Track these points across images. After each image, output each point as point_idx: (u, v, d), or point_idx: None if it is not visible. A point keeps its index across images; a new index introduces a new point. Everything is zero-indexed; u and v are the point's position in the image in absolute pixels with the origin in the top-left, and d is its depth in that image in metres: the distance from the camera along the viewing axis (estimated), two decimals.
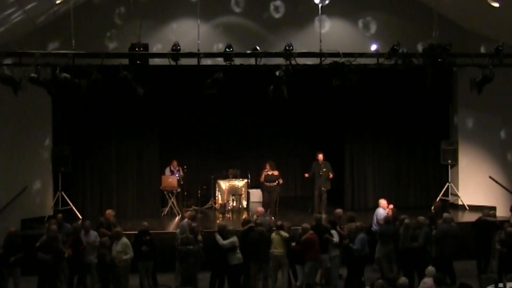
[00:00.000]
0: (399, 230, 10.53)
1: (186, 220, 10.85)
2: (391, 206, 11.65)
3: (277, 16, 13.39)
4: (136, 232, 10.64)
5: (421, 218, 10.55)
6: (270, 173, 14.01)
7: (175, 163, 14.64)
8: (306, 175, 14.07)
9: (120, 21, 13.17)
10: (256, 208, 12.13)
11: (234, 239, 10.09)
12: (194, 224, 10.74)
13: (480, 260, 10.98)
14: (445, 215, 10.83)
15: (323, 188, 13.75)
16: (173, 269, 10.59)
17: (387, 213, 11.33)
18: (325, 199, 13.81)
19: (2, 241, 10.04)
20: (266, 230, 10.47)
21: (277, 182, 13.98)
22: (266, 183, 14.02)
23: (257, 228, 10.22)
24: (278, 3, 13.51)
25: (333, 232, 10.42)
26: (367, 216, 12.34)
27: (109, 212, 11.36)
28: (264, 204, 13.84)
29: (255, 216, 11.29)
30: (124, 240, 9.94)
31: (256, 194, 15.27)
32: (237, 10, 13.55)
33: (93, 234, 10.41)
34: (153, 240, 10.40)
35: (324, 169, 13.79)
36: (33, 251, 9.87)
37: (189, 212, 11.19)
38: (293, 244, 10.16)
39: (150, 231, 10.56)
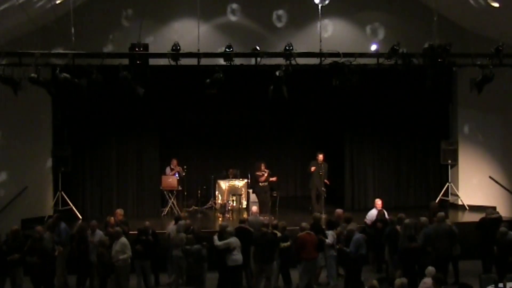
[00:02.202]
0: (392, 230, 10.55)
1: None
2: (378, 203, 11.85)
3: (279, 24, 13.34)
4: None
5: (423, 218, 10.54)
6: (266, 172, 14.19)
7: (174, 161, 14.65)
8: (313, 168, 13.94)
9: (120, 21, 13.16)
10: (252, 208, 12.24)
11: (230, 240, 10.01)
12: (188, 221, 10.81)
13: (486, 260, 10.97)
14: (438, 214, 10.85)
15: (323, 188, 13.77)
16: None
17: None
18: (323, 200, 13.83)
19: (3, 240, 10.04)
20: (256, 229, 10.47)
21: (268, 181, 14.22)
22: (263, 183, 14.12)
23: (262, 229, 10.21)
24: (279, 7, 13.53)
25: (330, 233, 10.40)
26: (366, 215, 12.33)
27: (118, 211, 11.38)
28: (261, 204, 13.93)
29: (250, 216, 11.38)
30: (123, 239, 9.93)
31: None
32: (237, 10, 13.54)
33: (99, 233, 10.38)
34: (154, 240, 10.44)
35: (323, 170, 13.82)
36: (23, 253, 9.87)
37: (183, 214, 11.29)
38: (285, 244, 10.16)
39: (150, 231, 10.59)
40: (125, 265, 9.89)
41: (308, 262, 10.01)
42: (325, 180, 13.90)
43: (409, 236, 10.18)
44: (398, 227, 10.56)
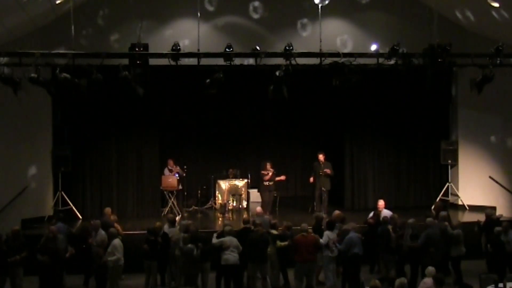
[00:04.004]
0: (383, 230, 10.57)
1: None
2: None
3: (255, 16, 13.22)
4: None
5: (429, 219, 10.49)
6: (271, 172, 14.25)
7: (171, 162, 14.65)
8: (311, 179, 14.01)
9: (120, 21, 13.16)
10: (255, 208, 12.20)
11: (224, 239, 10.04)
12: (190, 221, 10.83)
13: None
14: (440, 213, 10.90)
15: (323, 189, 13.77)
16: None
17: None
18: (326, 199, 13.83)
19: (3, 240, 10.03)
20: (267, 229, 10.49)
21: (274, 181, 14.25)
22: (268, 183, 14.15)
23: (257, 229, 10.22)
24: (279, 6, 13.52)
25: (327, 233, 10.37)
26: (366, 216, 12.32)
27: (106, 210, 11.45)
28: (265, 203, 13.93)
29: (255, 217, 11.34)
30: (115, 241, 9.90)
31: (256, 194, 15.25)
32: (237, 10, 13.55)
33: (101, 233, 10.31)
34: (163, 241, 10.42)
35: (324, 170, 13.81)
36: (33, 251, 9.88)
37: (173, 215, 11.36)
38: (281, 243, 10.16)
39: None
40: (115, 266, 9.86)
41: (301, 265, 9.98)
42: (326, 170, 13.80)
43: (412, 236, 10.20)
44: (390, 227, 10.58)
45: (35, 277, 10.01)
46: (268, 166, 14.27)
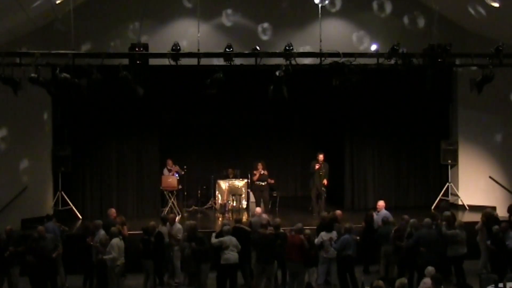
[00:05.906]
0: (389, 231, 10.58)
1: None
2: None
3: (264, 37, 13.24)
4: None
5: (426, 219, 10.47)
6: (262, 172, 14.33)
7: (170, 162, 14.65)
8: (317, 166, 13.85)
9: (120, 21, 13.16)
10: (256, 209, 12.25)
11: (224, 238, 10.06)
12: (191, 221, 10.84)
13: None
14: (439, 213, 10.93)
15: (323, 188, 13.78)
16: None
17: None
18: (324, 199, 13.84)
19: (3, 240, 10.04)
20: (257, 229, 10.49)
21: (266, 181, 14.32)
22: (259, 182, 14.20)
23: (262, 230, 10.21)
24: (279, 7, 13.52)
25: (323, 234, 10.33)
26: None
27: (110, 210, 11.44)
28: (257, 202, 13.97)
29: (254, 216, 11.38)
30: (113, 241, 9.92)
31: None
32: (237, 10, 13.54)
33: (100, 233, 10.28)
34: (156, 240, 10.42)
35: (323, 170, 13.83)
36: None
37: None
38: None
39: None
40: (112, 265, 9.87)
41: (289, 263, 10.04)
42: (324, 181, 13.88)
43: (408, 235, 10.20)
44: (395, 228, 10.59)
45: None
46: (259, 166, 14.37)
